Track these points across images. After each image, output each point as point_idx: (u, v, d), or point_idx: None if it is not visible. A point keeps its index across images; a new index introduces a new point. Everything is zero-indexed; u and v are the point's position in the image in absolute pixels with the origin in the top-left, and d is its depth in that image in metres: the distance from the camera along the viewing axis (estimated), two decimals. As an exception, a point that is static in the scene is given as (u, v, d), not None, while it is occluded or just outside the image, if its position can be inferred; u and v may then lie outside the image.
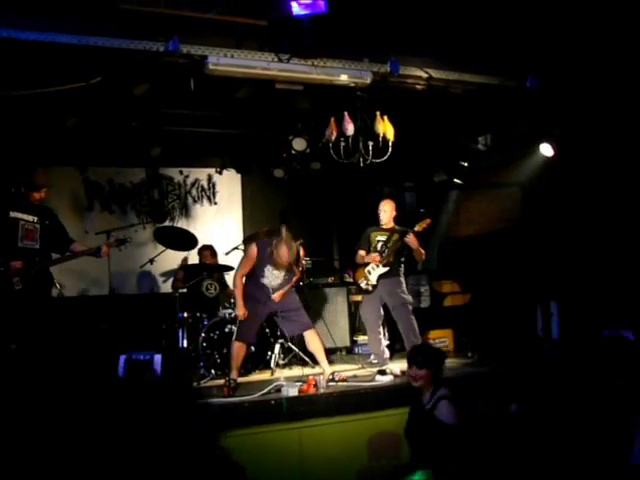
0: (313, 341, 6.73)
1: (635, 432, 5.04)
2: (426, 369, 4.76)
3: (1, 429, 4.75)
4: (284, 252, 6.28)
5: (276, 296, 6.53)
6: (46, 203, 6.47)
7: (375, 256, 7.28)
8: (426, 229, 7.30)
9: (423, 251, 7.26)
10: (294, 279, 6.69)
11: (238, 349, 6.59)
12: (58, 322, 6.30)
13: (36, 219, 6.25)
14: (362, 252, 7.48)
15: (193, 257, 8.99)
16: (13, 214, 6.11)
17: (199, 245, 8.69)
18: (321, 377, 6.18)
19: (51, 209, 6.57)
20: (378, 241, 7.42)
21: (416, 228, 7.18)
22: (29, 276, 6.00)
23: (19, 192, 6.25)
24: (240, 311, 6.47)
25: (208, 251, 8.79)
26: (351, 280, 8.58)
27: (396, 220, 7.50)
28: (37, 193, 6.27)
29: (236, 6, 5.85)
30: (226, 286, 8.57)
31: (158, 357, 5.79)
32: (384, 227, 7.46)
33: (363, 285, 7.42)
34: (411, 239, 7.11)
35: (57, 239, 6.44)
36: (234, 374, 6.50)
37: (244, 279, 6.57)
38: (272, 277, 6.54)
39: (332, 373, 6.50)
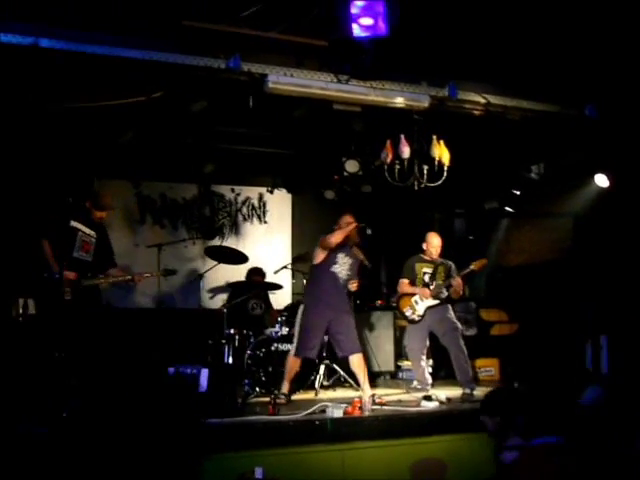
0: (359, 363, 6.78)
1: None
2: None
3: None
4: (348, 218, 7.00)
5: (354, 283, 6.82)
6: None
7: (425, 290, 7.22)
8: (481, 270, 7.29)
9: (461, 292, 7.25)
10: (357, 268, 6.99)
11: (293, 363, 6.72)
12: (107, 333, 6.38)
13: (93, 234, 6.38)
14: (406, 281, 7.42)
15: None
16: (73, 223, 6.23)
17: (249, 267, 8.82)
18: (366, 399, 6.11)
19: (105, 228, 6.71)
20: (424, 273, 7.35)
21: (472, 267, 7.13)
22: (79, 288, 6.10)
23: (81, 205, 6.37)
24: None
25: (259, 276, 8.86)
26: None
27: (442, 253, 7.44)
28: (100, 212, 6.42)
29: (296, 26, 5.86)
30: (271, 306, 8.61)
31: (205, 371, 5.82)
32: (428, 259, 7.40)
33: (409, 314, 7.34)
34: (456, 286, 7.12)
35: (105, 258, 6.61)
36: (285, 387, 6.63)
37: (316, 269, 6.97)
38: (341, 264, 6.84)
39: (372, 395, 6.46)
